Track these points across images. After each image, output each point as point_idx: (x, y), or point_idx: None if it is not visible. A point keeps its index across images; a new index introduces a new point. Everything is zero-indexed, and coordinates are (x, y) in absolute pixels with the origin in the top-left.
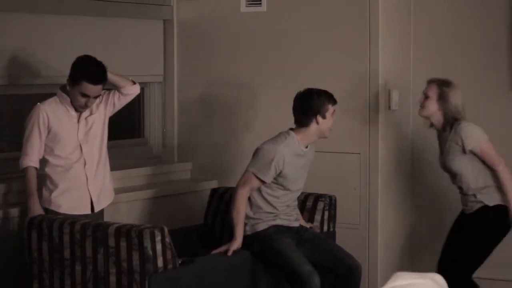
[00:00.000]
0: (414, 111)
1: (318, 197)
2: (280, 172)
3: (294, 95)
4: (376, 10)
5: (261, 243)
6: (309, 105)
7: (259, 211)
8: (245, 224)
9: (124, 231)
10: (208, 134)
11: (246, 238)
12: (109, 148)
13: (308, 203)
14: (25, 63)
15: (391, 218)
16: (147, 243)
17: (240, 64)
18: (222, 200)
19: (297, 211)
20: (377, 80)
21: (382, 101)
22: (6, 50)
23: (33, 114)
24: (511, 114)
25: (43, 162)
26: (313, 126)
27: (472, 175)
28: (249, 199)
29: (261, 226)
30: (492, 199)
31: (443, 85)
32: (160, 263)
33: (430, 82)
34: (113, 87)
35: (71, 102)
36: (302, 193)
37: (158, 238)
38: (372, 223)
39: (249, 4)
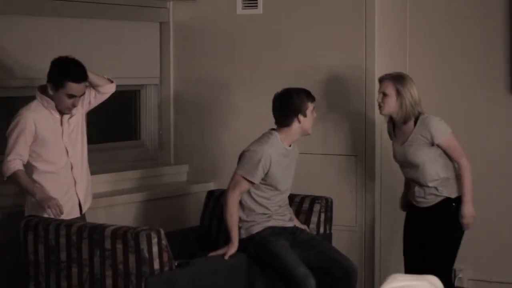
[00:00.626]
0: None
1: (314, 199)
2: (268, 172)
3: None
4: (372, 12)
5: (257, 246)
6: (289, 105)
7: (252, 214)
8: (240, 228)
9: (120, 234)
10: (205, 136)
11: (241, 241)
12: (106, 150)
13: (304, 205)
14: (21, 65)
15: (388, 220)
16: (144, 245)
17: (236, 66)
18: (219, 202)
19: (291, 211)
20: (373, 82)
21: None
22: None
23: (19, 121)
24: (509, 115)
25: (30, 169)
26: (295, 125)
27: (434, 167)
28: (241, 202)
29: (256, 229)
30: (453, 191)
31: (398, 79)
32: (156, 265)
33: (384, 79)
34: (90, 86)
35: (56, 106)
36: (298, 195)
37: (155, 240)
38: (368, 225)
39: (245, 6)
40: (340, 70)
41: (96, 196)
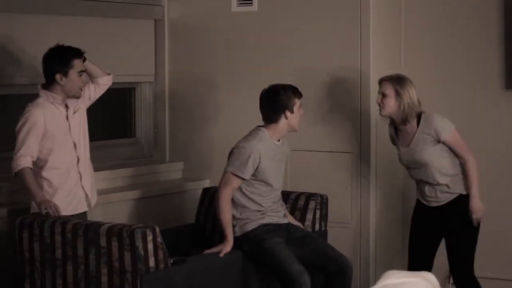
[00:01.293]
0: None
1: (309, 196)
2: (258, 167)
3: None
4: (367, 10)
5: (251, 244)
6: (276, 102)
7: (246, 211)
8: (234, 226)
9: (115, 231)
10: (200, 134)
11: (236, 239)
12: (101, 148)
13: (299, 202)
14: (16, 62)
15: (383, 217)
16: (139, 243)
17: (231, 63)
18: (214, 199)
19: (285, 207)
20: (368, 79)
21: (374, 100)
22: None
23: (29, 117)
24: (504, 112)
25: (40, 165)
26: (282, 121)
27: (441, 165)
28: (233, 200)
29: (250, 226)
30: (465, 187)
31: (397, 81)
32: (151, 262)
33: (384, 80)
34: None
35: (68, 93)
36: (293, 192)
37: (150, 237)
38: (364, 222)
39: (240, 3)
40: (335, 67)
41: None
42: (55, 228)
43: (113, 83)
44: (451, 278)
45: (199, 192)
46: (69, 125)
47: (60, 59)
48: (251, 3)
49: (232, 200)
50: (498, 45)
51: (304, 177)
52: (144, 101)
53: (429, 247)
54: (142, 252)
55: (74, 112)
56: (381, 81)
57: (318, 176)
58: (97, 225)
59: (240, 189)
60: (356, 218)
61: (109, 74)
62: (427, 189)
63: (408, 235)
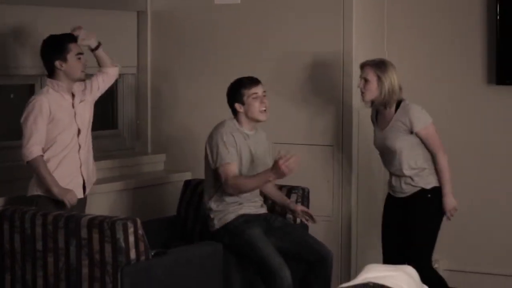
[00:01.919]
0: None
1: (291, 189)
2: (235, 149)
3: (268, 86)
4: (351, 1)
5: (231, 235)
6: (228, 97)
7: (223, 203)
8: (212, 219)
9: (96, 223)
10: (182, 126)
11: (215, 232)
12: None
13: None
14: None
15: (364, 210)
16: (120, 235)
17: (214, 55)
18: (195, 192)
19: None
20: (351, 72)
21: (356, 94)
22: None
23: (35, 105)
24: (486, 106)
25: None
26: (239, 114)
27: (410, 156)
28: (212, 194)
29: (229, 217)
30: (428, 181)
31: (378, 66)
32: (132, 254)
33: (365, 65)
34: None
35: (72, 77)
36: (275, 185)
37: (131, 229)
38: (345, 215)
39: None
40: (318, 59)
41: None
42: (36, 219)
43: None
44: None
45: (181, 184)
46: (75, 112)
47: (55, 47)
48: None
49: (212, 194)
50: (480, 39)
51: None
52: (126, 93)
53: (398, 238)
54: (123, 244)
55: (80, 102)
56: (363, 66)
57: (299, 169)
58: (78, 216)
59: (215, 178)
60: (337, 211)
61: (116, 66)
62: (393, 179)
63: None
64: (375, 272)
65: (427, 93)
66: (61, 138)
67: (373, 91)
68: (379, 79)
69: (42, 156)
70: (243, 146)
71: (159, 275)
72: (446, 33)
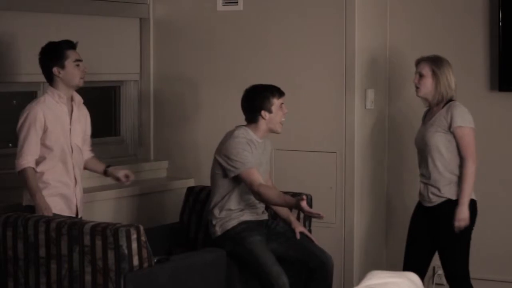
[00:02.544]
0: (389, 110)
1: (294, 196)
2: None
3: None
4: (353, 9)
5: (232, 242)
6: (253, 102)
7: (226, 210)
8: (214, 225)
9: (99, 230)
10: (185, 133)
11: (217, 239)
12: None
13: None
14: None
15: (367, 217)
16: (123, 242)
17: (217, 62)
18: (198, 198)
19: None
20: (353, 78)
21: (358, 101)
22: None
23: (28, 115)
24: (489, 113)
25: (38, 162)
26: (261, 122)
27: (442, 155)
28: (217, 202)
29: (230, 224)
30: (455, 192)
31: (434, 61)
32: (135, 261)
33: (422, 60)
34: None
35: (70, 83)
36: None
37: (134, 236)
38: (348, 222)
39: (225, 3)
40: (321, 66)
41: None
42: (39, 226)
43: (98, 82)
44: (435, 277)
45: (184, 191)
46: (70, 129)
47: (54, 54)
48: (237, 2)
49: (216, 201)
50: (483, 45)
51: (288, 176)
52: (129, 100)
53: (423, 249)
54: (126, 251)
55: (78, 117)
56: (419, 61)
57: (302, 176)
58: (81, 223)
59: (222, 187)
60: (340, 218)
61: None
62: (422, 186)
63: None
64: (378, 278)
65: None
66: (55, 150)
67: (427, 86)
68: (434, 74)
69: (33, 168)
70: (254, 155)
71: (162, 282)
72: (448, 39)
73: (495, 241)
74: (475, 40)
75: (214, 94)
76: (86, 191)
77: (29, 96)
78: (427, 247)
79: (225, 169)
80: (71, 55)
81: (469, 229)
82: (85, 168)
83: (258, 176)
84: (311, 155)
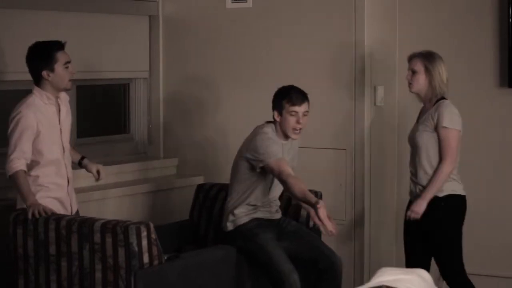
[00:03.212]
0: (399, 106)
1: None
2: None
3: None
4: (362, 8)
5: (244, 238)
6: (273, 101)
7: (242, 207)
8: (227, 219)
9: (110, 227)
10: (194, 130)
11: (229, 233)
12: (95, 144)
13: (293, 199)
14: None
15: (377, 213)
16: (133, 239)
17: (226, 60)
18: (208, 196)
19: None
20: (363, 74)
21: (368, 98)
22: None
23: (20, 119)
24: (499, 109)
25: (31, 166)
26: (276, 123)
27: (430, 157)
28: (236, 197)
29: (243, 220)
30: (441, 189)
31: (427, 57)
32: (146, 259)
33: (414, 56)
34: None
35: (59, 87)
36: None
37: (144, 234)
38: (358, 219)
39: (234, 0)
40: (330, 63)
41: (85, 190)
42: (49, 224)
43: (108, 80)
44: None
45: (193, 188)
46: (60, 129)
47: (43, 56)
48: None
49: (234, 196)
50: (493, 42)
51: (298, 173)
52: (139, 98)
53: (420, 246)
54: (136, 248)
55: (65, 117)
56: (411, 58)
57: (312, 173)
58: (91, 221)
59: (244, 183)
60: (350, 214)
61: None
62: (411, 184)
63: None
64: (388, 275)
65: None
66: (48, 153)
67: (420, 82)
68: (427, 69)
69: (24, 171)
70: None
71: (172, 279)
72: (458, 36)
73: (494, 237)
74: (484, 36)
75: (223, 92)
76: (95, 188)
77: (25, 95)
78: (419, 244)
79: (252, 161)
80: (61, 57)
81: (458, 224)
82: None
83: (288, 167)
84: (321, 152)
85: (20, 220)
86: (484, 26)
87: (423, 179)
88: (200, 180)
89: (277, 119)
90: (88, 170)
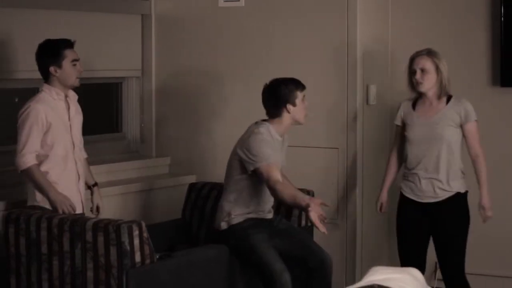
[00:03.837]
0: (392, 105)
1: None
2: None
3: None
4: (355, 4)
5: (236, 237)
6: (277, 95)
7: (236, 207)
8: (220, 218)
9: (101, 226)
10: (187, 129)
11: (222, 232)
12: (87, 143)
13: (283, 205)
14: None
15: (369, 212)
16: (125, 238)
17: (218, 58)
18: (200, 195)
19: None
20: (355, 73)
21: (360, 96)
22: None
23: (30, 113)
24: (491, 108)
25: (40, 160)
26: (285, 116)
27: (453, 152)
28: (230, 196)
29: (236, 220)
30: (462, 185)
31: (435, 55)
32: (137, 258)
33: (418, 55)
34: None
35: (66, 84)
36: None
37: (136, 233)
38: (350, 218)
39: None
40: (322, 62)
41: None
42: (41, 223)
43: (100, 78)
44: (437, 272)
45: (186, 187)
46: (70, 125)
47: (51, 53)
48: None
49: (229, 196)
50: (485, 41)
51: (290, 172)
52: (131, 96)
53: (420, 246)
54: (128, 247)
55: (74, 114)
56: (417, 56)
57: (304, 172)
58: (83, 220)
59: (239, 183)
60: (342, 213)
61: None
62: (424, 182)
63: (396, 233)
64: (380, 274)
65: None
66: (58, 148)
67: (432, 80)
68: (437, 68)
69: (37, 164)
70: (274, 152)
71: (164, 278)
72: (451, 34)
73: (493, 237)
74: (477, 35)
75: (215, 90)
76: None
77: (31, 93)
78: (424, 243)
79: (245, 162)
80: (69, 54)
81: (468, 223)
82: None
83: (277, 173)
84: (313, 151)
85: (11, 218)
86: (476, 25)
87: (448, 174)
88: (192, 179)
89: (290, 111)
90: (91, 200)
